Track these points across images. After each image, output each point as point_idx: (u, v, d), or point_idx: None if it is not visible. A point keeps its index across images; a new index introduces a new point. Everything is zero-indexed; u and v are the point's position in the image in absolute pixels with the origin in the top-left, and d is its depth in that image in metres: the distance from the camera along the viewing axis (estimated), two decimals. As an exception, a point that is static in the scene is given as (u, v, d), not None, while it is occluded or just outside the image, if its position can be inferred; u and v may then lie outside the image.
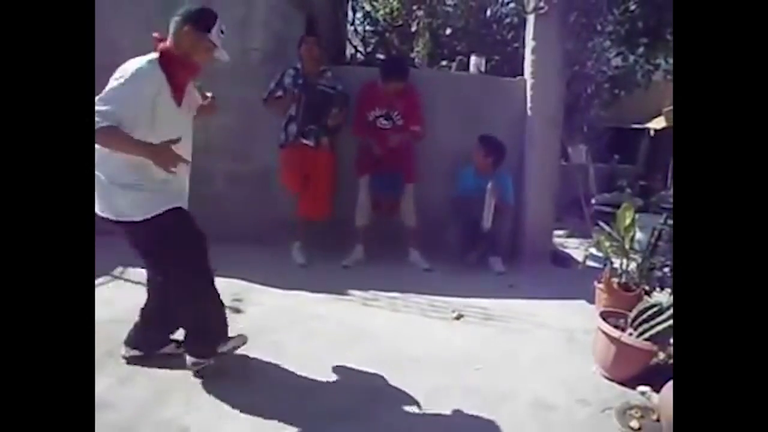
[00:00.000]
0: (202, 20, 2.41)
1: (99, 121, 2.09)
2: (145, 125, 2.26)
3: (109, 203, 2.34)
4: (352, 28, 11.04)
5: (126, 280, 3.78)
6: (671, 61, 7.40)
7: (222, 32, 2.46)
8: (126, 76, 2.23)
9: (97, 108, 2.10)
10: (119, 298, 3.39)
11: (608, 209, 6.73)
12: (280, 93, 4.46)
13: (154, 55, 2.35)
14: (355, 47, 10.89)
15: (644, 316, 2.82)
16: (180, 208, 2.47)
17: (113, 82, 2.23)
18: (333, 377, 2.72)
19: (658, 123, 12.35)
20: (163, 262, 2.50)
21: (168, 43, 2.39)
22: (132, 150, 2.24)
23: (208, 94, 2.72)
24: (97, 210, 2.33)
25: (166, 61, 2.34)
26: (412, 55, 10.34)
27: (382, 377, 2.74)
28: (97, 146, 2.16)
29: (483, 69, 5.89)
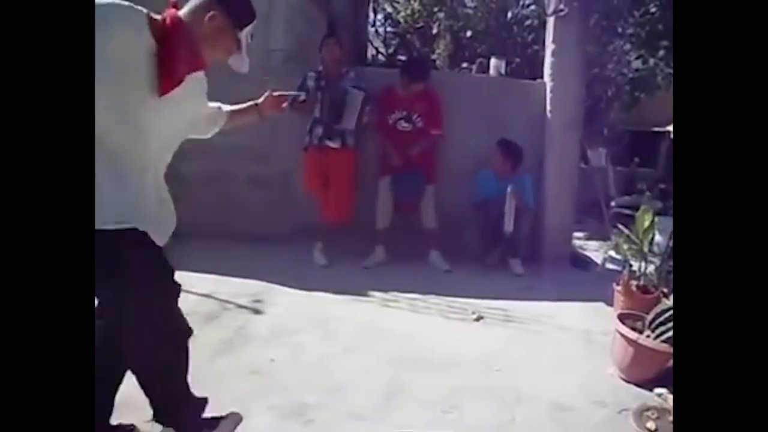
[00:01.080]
0: (240, 12, 1.79)
1: None
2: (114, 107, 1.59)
3: None
4: (373, 29, 11.07)
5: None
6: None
7: (251, 36, 1.86)
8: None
9: None
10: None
11: (628, 212, 6.69)
12: (303, 97, 4.50)
13: (148, 12, 1.66)
14: (376, 48, 10.91)
15: (662, 318, 2.82)
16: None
17: None
18: (352, 377, 2.75)
19: (679, 126, 12.21)
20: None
21: (182, 14, 1.73)
22: None
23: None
24: None
25: (167, 30, 1.66)
26: (433, 57, 10.36)
27: (401, 378, 2.77)
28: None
29: (503, 71, 5.92)
